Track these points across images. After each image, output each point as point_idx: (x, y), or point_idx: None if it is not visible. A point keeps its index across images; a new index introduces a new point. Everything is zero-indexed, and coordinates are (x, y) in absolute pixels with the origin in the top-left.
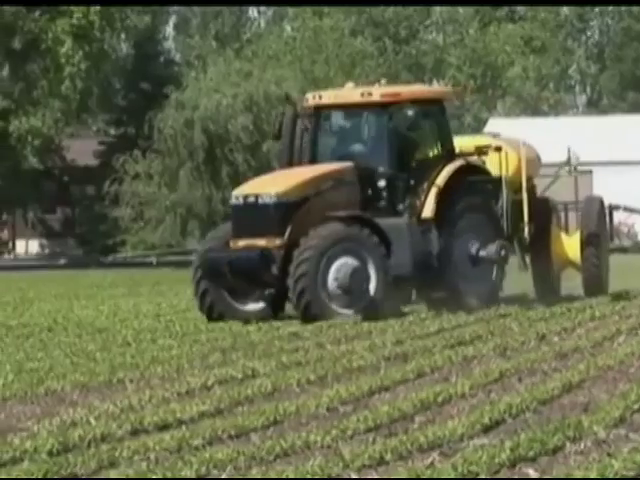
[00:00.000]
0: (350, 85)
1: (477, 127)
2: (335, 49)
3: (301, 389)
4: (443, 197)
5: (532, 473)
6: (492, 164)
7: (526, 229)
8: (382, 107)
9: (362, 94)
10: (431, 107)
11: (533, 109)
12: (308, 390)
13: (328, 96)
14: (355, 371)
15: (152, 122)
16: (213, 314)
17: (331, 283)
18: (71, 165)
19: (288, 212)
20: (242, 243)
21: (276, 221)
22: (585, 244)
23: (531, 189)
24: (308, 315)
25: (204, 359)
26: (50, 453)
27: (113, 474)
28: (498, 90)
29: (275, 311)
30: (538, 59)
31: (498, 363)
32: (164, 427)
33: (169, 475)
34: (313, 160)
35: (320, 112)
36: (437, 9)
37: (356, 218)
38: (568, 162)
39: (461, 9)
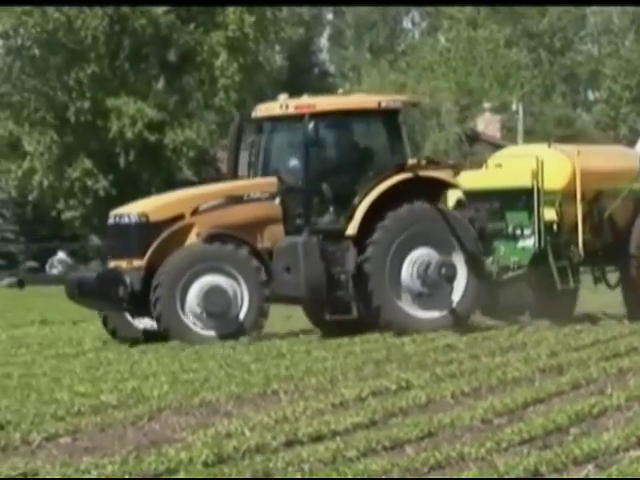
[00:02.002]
0: (283, 96)
1: (632, 139)
2: (490, 60)
3: (455, 401)
4: (373, 214)
5: None
6: (524, 173)
7: (580, 244)
8: (297, 120)
9: (281, 106)
10: (367, 118)
11: None
12: (462, 402)
13: (262, 108)
14: (510, 383)
15: None
16: (116, 335)
17: (192, 305)
18: (226, 177)
19: (150, 233)
20: (112, 264)
21: (136, 242)
22: None
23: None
24: (170, 338)
25: (358, 371)
26: (205, 464)
27: None
28: None
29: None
30: None
31: None
32: (318, 438)
33: None
34: (262, 173)
35: (260, 124)
36: (592, 19)
37: (220, 235)
38: None
39: (616, 19)
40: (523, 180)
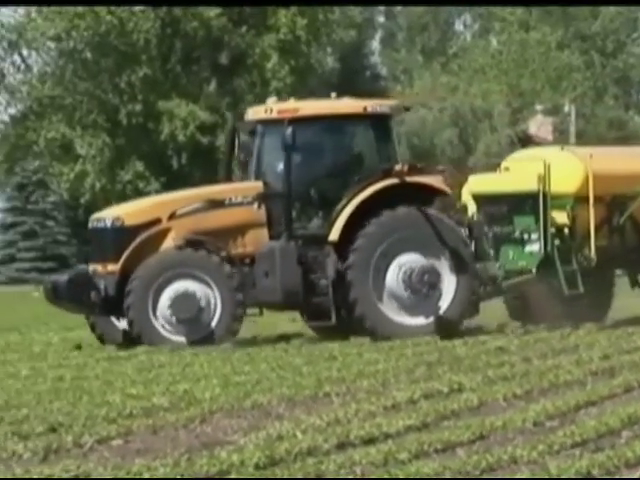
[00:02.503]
0: (271, 100)
1: None
2: (541, 62)
3: (507, 403)
4: (359, 220)
5: None
6: (531, 177)
7: (592, 249)
8: (280, 124)
9: (266, 110)
10: (354, 123)
11: None
12: (514, 404)
13: (251, 112)
14: (562, 386)
15: None
16: (94, 330)
17: (164, 311)
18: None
19: (125, 237)
20: (91, 267)
21: (111, 246)
22: None
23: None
24: (143, 343)
25: (410, 373)
26: (257, 466)
27: None
28: None
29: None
30: None
31: None
32: (370, 441)
33: None
34: (254, 176)
35: (253, 128)
36: None
37: (195, 241)
38: None
39: None
40: (530, 184)
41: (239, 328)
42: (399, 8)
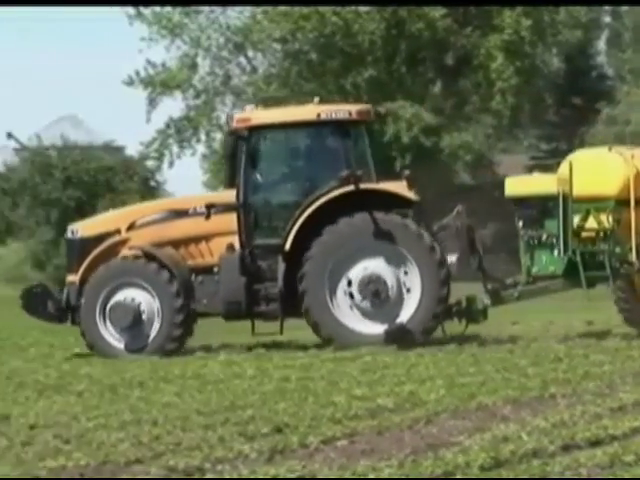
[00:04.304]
0: (249, 107)
1: None
2: None
3: None
4: (313, 228)
5: None
6: (548, 179)
7: (633, 253)
8: (237, 133)
9: (230, 119)
10: (311, 130)
11: None
12: None
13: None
14: None
15: (583, 137)
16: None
17: (111, 321)
18: (502, 180)
19: (83, 248)
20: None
21: (72, 257)
22: None
23: None
24: (95, 353)
25: (636, 375)
26: (482, 468)
27: None
28: None
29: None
30: None
31: None
32: (596, 443)
33: None
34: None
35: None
36: None
37: (144, 252)
38: None
39: None
40: (554, 187)
41: (181, 334)
42: (625, 8)
